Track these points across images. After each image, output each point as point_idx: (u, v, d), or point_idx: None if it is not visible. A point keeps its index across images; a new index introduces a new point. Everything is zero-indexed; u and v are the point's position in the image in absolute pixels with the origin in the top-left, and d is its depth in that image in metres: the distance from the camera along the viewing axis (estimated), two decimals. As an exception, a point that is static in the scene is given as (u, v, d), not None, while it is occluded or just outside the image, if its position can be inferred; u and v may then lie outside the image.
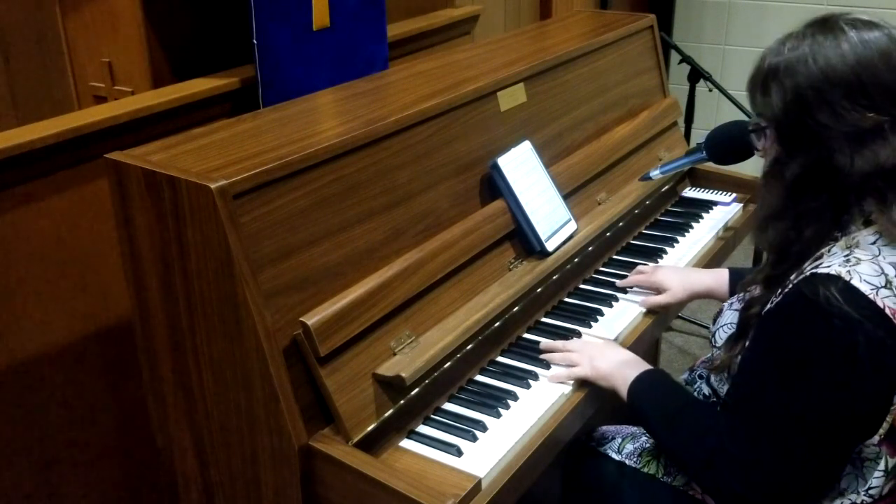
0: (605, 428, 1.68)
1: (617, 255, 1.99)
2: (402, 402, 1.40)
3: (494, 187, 1.71)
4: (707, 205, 2.22)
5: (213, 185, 1.23)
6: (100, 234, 1.77)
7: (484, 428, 1.40)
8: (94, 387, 1.85)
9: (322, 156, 1.39)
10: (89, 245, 1.78)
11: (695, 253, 1.99)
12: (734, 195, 2.25)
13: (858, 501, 1.27)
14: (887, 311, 1.15)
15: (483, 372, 1.57)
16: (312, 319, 1.30)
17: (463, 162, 1.68)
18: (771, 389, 1.22)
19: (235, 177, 1.27)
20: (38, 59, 2.12)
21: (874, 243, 1.22)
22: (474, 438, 1.37)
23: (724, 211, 2.19)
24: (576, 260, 1.83)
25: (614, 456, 1.58)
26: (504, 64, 1.90)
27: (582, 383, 1.52)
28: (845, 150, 1.21)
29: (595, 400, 1.53)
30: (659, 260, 1.96)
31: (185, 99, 1.87)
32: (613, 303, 1.77)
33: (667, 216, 2.20)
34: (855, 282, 1.16)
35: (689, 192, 2.32)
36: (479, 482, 1.28)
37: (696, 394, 1.54)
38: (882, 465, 1.25)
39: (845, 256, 1.20)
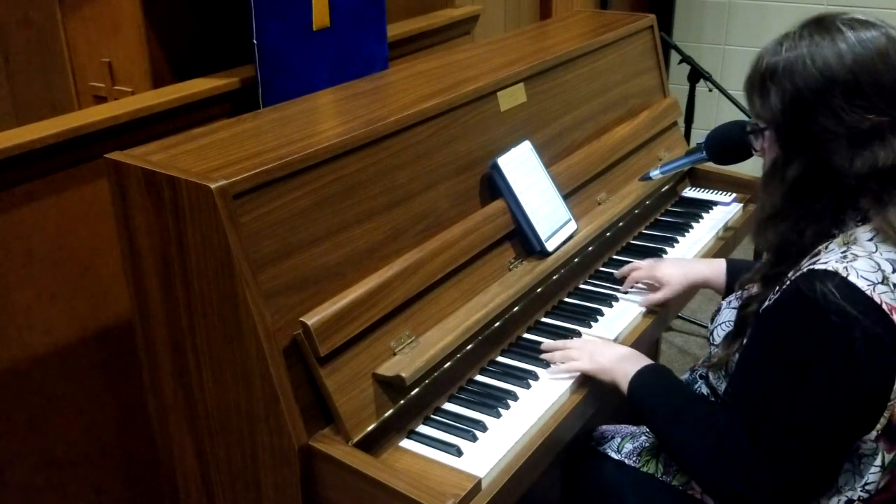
0: (604, 428, 1.68)
1: (617, 254, 1.99)
2: (402, 402, 1.40)
3: (494, 187, 1.71)
4: (707, 205, 2.22)
5: (213, 185, 1.23)
6: (100, 234, 1.77)
7: (484, 428, 1.40)
8: (94, 387, 1.85)
9: (322, 156, 1.39)
10: (89, 245, 1.78)
11: (695, 253, 2.00)
12: (734, 195, 2.25)
13: (855, 498, 1.27)
14: (884, 306, 1.16)
15: (483, 372, 1.57)
16: (312, 319, 1.30)
17: (463, 162, 1.68)
18: (769, 386, 1.22)
19: (235, 177, 1.27)
20: (38, 59, 2.12)
21: (871, 240, 1.22)
22: (474, 438, 1.37)
23: (724, 211, 2.19)
24: (576, 260, 1.83)
25: (614, 455, 1.58)
26: (504, 64, 1.90)
27: (582, 383, 1.52)
28: (844, 151, 1.21)
29: (595, 400, 1.53)
30: (659, 260, 1.96)
31: (185, 99, 1.87)
32: (613, 303, 1.77)
33: (667, 216, 2.20)
34: (852, 277, 1.16)
35: (689, 192, 2.32)
36: (479, 482, 1.28)
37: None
38: (878, 461, 1.25)
39: (842, 253, 1.21)
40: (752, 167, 1.74)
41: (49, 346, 1.75)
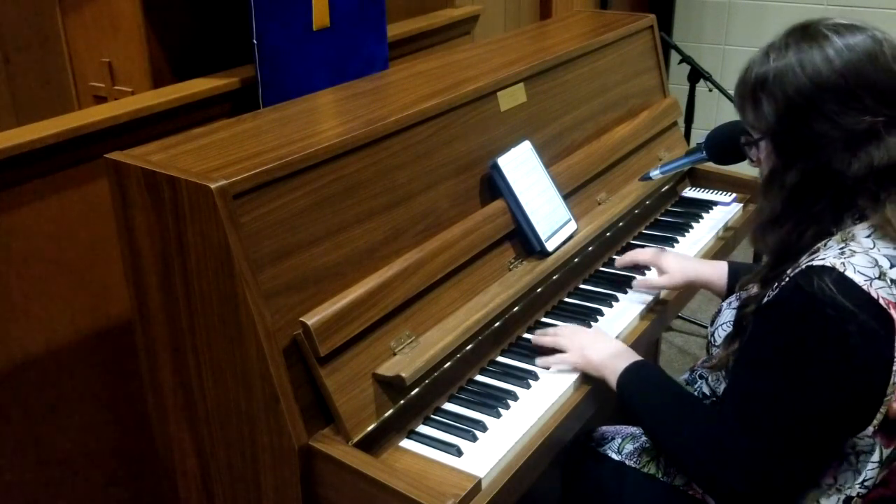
0: (604, 428, 1.68)
1: (617, 255, 1.99)
2: (402, 402, 1.40)
3: (494, 187, 1.71)
4: (707, 205, 2.22)
5: (213, 185, 1.23)
6: (100, 234, 1.77)
7: (484, 428, 1.40)
8: (94, 386, 1.85)
9: (322, 156, 1.39)
10: (89, 245, 1.78)
11: (695, 253, 1.99)
12: (734, 195, 2.25)
13: (854, 494, 1.27)
14: (881, 301, 1.16)
15: (483, 372, 1.57)
16: (312, 319, 1.30)
17: (463, 162, 1.68)
18: (766, 381, 1.22)
19: (235, 177, 1.27)
20: (38, 59, 2.12)
21: (869, 237, 1.23)
22: (474, 438, 1.37)
23: (724, 211, 2.19)
24: (576, 260, 1.83)
25: (614, 456, 1.58)
26: (504, 64, 1.90)
27: (582, 383, 1.52)
28: (841, 154, 1.22)
29: (595, 400, 1.53)
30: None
31: (185, 99, 1.87)
32: (613, 303, 1.77)
33: (667, 216, 2.20)
34: (849, 272, 1.17)
35: (689, 192, 2.32)
36: (479, 482, 1.28)
37: (696, 394, 1.54)
38: (876, 456, 1.26)
39: (840, 249, 1.21)
40: (751, 167, 1.73)
41: (49, 345, 1.75)
